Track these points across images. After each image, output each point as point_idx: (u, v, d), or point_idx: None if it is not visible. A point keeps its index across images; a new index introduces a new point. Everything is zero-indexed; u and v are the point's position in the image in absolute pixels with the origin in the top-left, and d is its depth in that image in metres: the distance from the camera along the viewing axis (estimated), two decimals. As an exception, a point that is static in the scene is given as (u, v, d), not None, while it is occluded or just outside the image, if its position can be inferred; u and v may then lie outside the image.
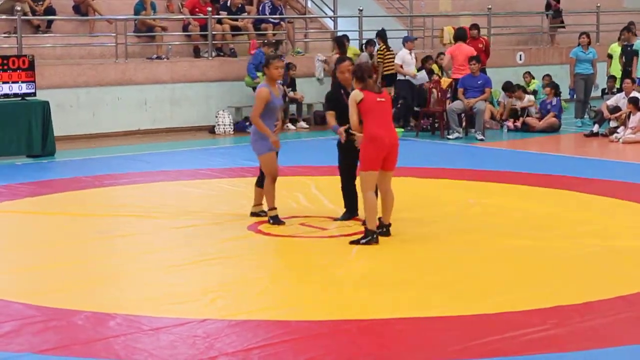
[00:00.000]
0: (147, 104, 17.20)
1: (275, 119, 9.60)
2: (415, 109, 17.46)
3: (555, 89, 17.40)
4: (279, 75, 9.57)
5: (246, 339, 6.19)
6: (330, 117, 9.32)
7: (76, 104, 16.46)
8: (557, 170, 12.88)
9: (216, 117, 17.26)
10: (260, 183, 9.78)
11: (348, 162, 9.45)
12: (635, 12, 24.90)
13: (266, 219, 9.63)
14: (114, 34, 17.43)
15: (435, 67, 18.37)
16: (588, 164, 13.63)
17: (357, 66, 9.04)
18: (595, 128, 16.44)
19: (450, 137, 16.30)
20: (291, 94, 17.82)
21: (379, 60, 17.82)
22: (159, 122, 17.30)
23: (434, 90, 17.13)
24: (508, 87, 18.03)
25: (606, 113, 16.44)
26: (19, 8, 16.46)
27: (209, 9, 18.38)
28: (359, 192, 9.25)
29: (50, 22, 17.74)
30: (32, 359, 5.89)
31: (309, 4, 21.24)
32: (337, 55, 17.41)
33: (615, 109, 16.42)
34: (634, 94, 16.19)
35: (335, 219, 9.73)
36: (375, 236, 8.68)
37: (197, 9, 18.75)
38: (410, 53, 17.40)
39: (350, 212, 9.72)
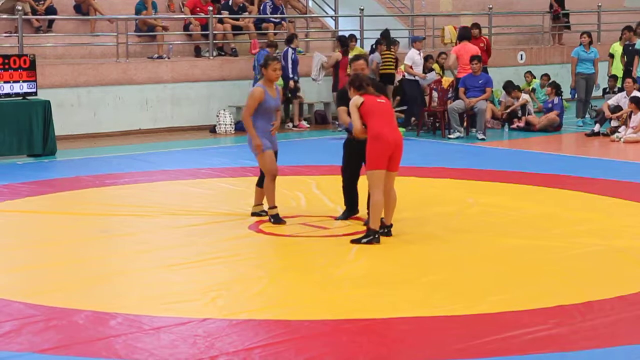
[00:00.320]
0: (148, 104, 17.20)
1: (271, 119, 9.59)
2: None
3: (556, 89, 17.39)
4: (277, 76, 9.57)
5: (247, 339, 6.19)
6: (343, 112, 9.29)
7: (77, 104, 16.46)
8: (558, 169, 12.87)
9: (217, 116, 17.26)
10: (261, 183, 9.77)
11: (352, 162, 9.44)
12: (636, 12, 24.91)
13: (267, 218, 9.63)
14: (115, 34, 17.44)
15: (436, 66, 18.38)
16: (589, 164, 13.62)
17: (355, 76, 9.03)
18: (597, 127, 16.43)
19: (451, 136, 16.30)
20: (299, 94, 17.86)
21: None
22: (160, 121, 17.31)
23: (434, 90, 17.12)
24: (509, 87, 18.03)
25: (607, 113, 16.43)
26: (20, 7, 16.47)
27: (210, 8, 18.39)
28: (359, 191, 9.25)
29: (51, 21, 17.75)
30: (33, 358, 5.89)
31: (310, 3, 21.25)
32: (340, 53, 17.51)
33: (617, 109, 16.42)
34: (635, 93, 16.19)
35: (336, 218, 9.73)
36: (376, 236, 8.68)
37: (198, 9, 18.76)
38: (419, 53, 17.40)
39: (350, 211, 9.72)
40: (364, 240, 8.67)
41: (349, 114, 8.96)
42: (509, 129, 17.35)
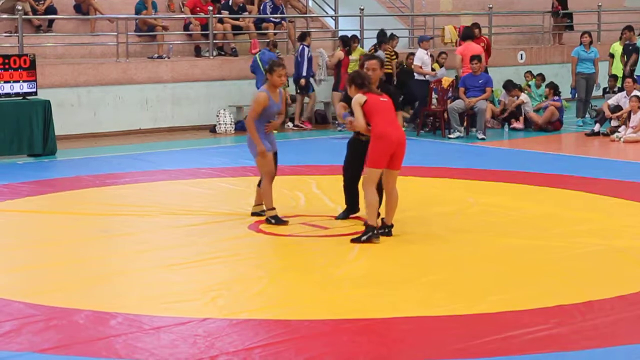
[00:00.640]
0: (148, 103, 17.20)
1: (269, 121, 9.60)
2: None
3: (555, 89, 17.40)
4: (282, 82, 9.56)
5: (247, 338, 6.19)
6: (341, 107, 9.29)
7: (77, 103, 16.46)
8: (559, 169, 12.87)
9: (217, 116, 17.26)
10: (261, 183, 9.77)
11: (355, 162, 9.43)
12: (636, 12, 24.92)
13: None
14: (115, 33, 17.44)
15: (436, 66, 18.37)
16: (589, 164, 13.62)
17: (357, 74, 9.01)
18: (597, 127, 16.43)
19: (451, 136, 16.30)
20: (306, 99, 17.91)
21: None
22: (160, 121, 17.31)
23: (433, 90, 17.12)
24: (509, 86, 18.03)
25: (607, 112, 16.43)
26: (20, 7, 16.46)
27: (210, 8, 18.39)
28: (360, 191, 9.25)
29: (51, 21, 17.74)
30: (33, 358, 5.89)
31: (310, 3, 21.25)
32: (342, 52, 17.52)
33: (617, 108, 16.41)
34: (636, 92, 16.18)
35: (336, 217, 9.73)
36: (375, 232, 8.69)
37: (198, 8, 18.76)
38: (427, 52, 17.40)
39: (350, 210, 9.71)
40: (364, 237, 8.68)
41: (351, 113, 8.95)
42: (509, 128, 17.33)
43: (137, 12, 18.15)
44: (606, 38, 22.80)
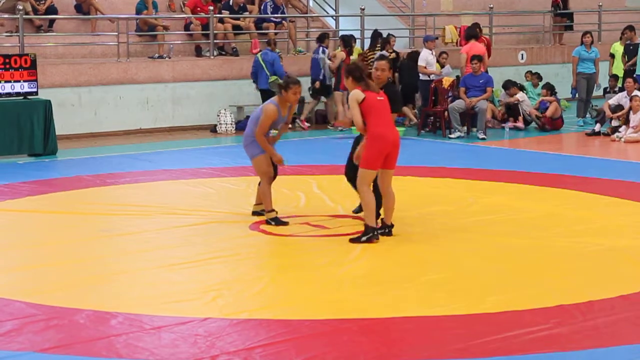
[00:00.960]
0: (148, 103, 17.20)
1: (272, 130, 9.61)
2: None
3: (551, 90, 17.41)
4: (296, 100, 9.50)
5: (247, 338, 6.19)
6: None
7: (78, 103, 16.46)
8: (559, 169, 12.87)
9: (218, 116, 17.26)
10: (262, 182, 9.77)
11: None
12: (637, 12, 24.92)
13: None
14: (116, 33, 17.44)
15: (437, 66, 18.37)
16: (590, 163, 13.62)
17: (355, 66, 8.92)
18: (597, 127, 16.43)
19: (451, 136, 16.30)
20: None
21: (363, 60, 17.89)
22: (160, 121, 17.31)
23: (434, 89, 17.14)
24: (508, 84, 18.04)
25: (608, 112, 16.43)
26: (20, 7, 16.47)
27: (211, 8, 18.40)
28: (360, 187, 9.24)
29: (52, 21, 17.75)
30: (33, 357, 5.89)
31: (311, 3, 21.25)
32: (344, 53, 17.52)
33: (617, 108, 16.41)
34: (636, 92, 16.18)
35: (353, 211, 9.68)
36: (375, 233, 8.68)
37: (198, 8, 18.76)
38: (432, 52, 17.41)
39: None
40: (363, 238, 8.67)
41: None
42: (509, 128, 17.31)
43: (138, 12, 18.16)
44: (607, 38, 22.79)
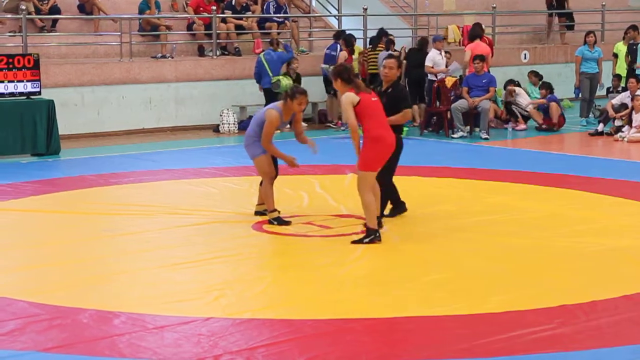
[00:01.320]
0: (151, 103, 17.21)
1: None
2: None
3: (549, 89, 17.41)
4: (300, 110, 9.49)
5: (250, 338, 6.19)
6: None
7: (81, 103, 16.47)
8: (562, 169, 12.86)
9: (220, 116, 17.27)
10: (263, 182, 9.77)
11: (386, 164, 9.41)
12: (640, 11, 24.89)
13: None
14: (119, 33, 17.45)
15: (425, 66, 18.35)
16: (593, 163, 13.61)
17: (343, 68, 8.76)
18: (600, 127, 16.41)
19: (454, 136, 16.30)
20: None
21: (363, 59, 17.95)
22: (163, 120, 17.32)
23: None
24: (507, 85, 18.04)
25: (611, 112, 16.41)
26: (24, 7, 16.48)
27: (214, 7, 18.40)
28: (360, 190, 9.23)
29: (55, 21, 17.76)
30: (36, 357, 5.90)
31: (313, 2, 21.25)
32: (346, 52, 17.53)
33: (621, 107, 16.38)
34: (639, 92, 16.16)
35: (385, 216, 9.46)
36: (377, 234, 8.67)
37: (201, 8, 18.77)
38: (440, 52, 17.41)
39: (397, 206, 9.68)
40: (366, 240, 8.66)
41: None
42: (512, 129, 17.30)
43: (141, 11, 18.17)
44: (610, 37, 22.76)
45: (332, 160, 13.18)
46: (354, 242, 8.70)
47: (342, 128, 16.79)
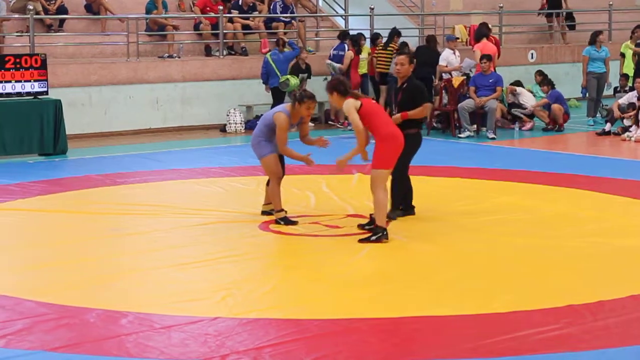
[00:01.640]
0: (158, 103, 17.23)
1: None
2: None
3: (550, 84, 17.38)
4: (308, 115, 9.52)
5: (257, 337, 6.19)
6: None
7: (88, 103, 16.49)
8: (569, 169, 12.84)
9: (227, 115, 17.28)
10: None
11: (402, 158, 9.41)
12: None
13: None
14: (126, 33, 17.47)
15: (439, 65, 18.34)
16: (600, 163, 13.58)
17: (338, 81, 8.92)
18: (608, 127, 16.38)
19: (461, 135, 16.28)
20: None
21: (373, 57, 17.98)
22: (170, 120, 17.34)
23: (443, 89, 17.10)
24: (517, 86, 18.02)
25: (617, 112, 16.38)
26: (31, 7, 16.51)
27: (220, 7, 18.41)
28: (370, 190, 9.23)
29: (62, 21, 17.79)
30: (44, 356, 5.91)
31: (320, 2, 21.25)
32: (352, 52, 17.54)
33: (631, 106, 16.32)
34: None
35: (390, 219, 9.43)
36: (385, 233, 8.68)
37: (208, 8, 18.78)
38: (454, 52, 17.41)
39: (406, 209, 9.71)
40: (373, 238, 8.68)
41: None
42: (519, 128, 17.28)
43: (148, 11, 18.19)
44: (617, 37, 22.72)
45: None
46: (361, 240, 8.72)
47: (349, 128, 16.78)
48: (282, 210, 9.54)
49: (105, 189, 11.63)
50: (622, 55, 18.70)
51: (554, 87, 17.49)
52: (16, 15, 17.15)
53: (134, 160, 13.90)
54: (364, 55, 18.00)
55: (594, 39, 18.02)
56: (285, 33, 18.93)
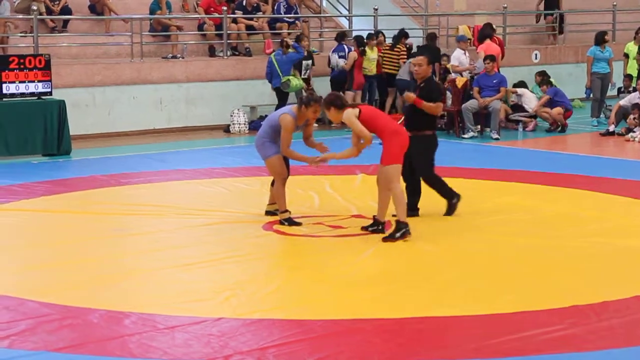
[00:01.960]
0: (162, 103, 17.23)
1: None
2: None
3: (548, 83, 17.36)
4: (314, 118, 9.55)
5: (261, 338, 6.19)
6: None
7: (92, 103, 16.50)
8: (573, 169, 12.82)
9: (231, 116, 17.28)
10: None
11: (422, 160, 9.59)
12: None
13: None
14: (130, 34, 17.48)
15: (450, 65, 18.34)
16: (604, 163, 13.57)
17: (334, 96, 9.09)
18: (611, 127, 16.36)
19: (465, 136, 16.27)
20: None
21: (380, 55, 18.00)
22: (174, 121, 17.34)
23: (447, 90, 17.08)
24: (520, 86, 18.00)
25: (612, 118, 16.41)
26: (35, 8, 16.53)
27: (224, 8, 18.41)
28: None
29: (66, 21, 17.80)
30: (47, 357, 5.91)
31: (324, 3, 21.23)
32: (356, 53, 17.55)
33: (634, 108, 16.29)
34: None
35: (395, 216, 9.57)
36: (408, 228, 8.74)
37: (212, 9, 18.79)
38: (465, 52, 17.41)
39: (411, 209, 9.71)
40: (397, 234, 8.70)
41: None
42: (523, 129, 17.25)
43: (152, 12, 18.20)
44: (621, 37, 22.69)
45: (343, 161, 13.13)
46: (385, 239, 8.74)
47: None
48: (286, 210, 9.53)
49: (109, 189, 11.63)
50: (626, 55, 18.68)
51: (552, 84, 17.49)
52: (20, 16, 17.17)
53: (137, 160, 13.91)
54: (373, 55, 18.01)
55: (600, 40, 17.98)
56: (289, 34, 18.92)
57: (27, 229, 9.72)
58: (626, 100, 16.58)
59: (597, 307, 6.76)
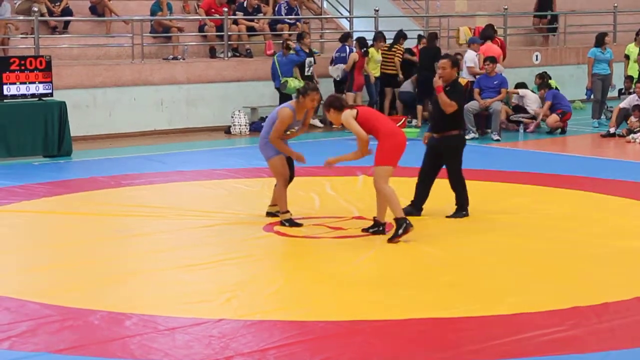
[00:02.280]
0: (163, 105, 17.23)
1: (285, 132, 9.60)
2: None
3: (547, 86, 17.35)
4: (313, 107, 9.58)
5: (262, 339, 6.19)
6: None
7: (92, 105, 16.51)
8: (574, 170, 12.82)
9: (232, 117, 17.28)
10: (277, 184, 9.78)
11: (427, 160, 9.68)
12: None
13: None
14: (131, 35, 17.48)
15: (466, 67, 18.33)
16: (605, 165, 13.57)
17: (334, 98, 9.12)
18: (612, 129, 16.36)
19: (466, 137, 16.24)
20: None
21: (382, 54, 18.02)
22: (175, 122, 17.34)
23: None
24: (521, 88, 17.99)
25: (613, 119, 16.41)
26: (36, 9, 16.53)
27: (225, 9, 18.42)
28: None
29: (67, 22, 17.81)
30: (48, 358, 5.91)
31: (325, 4, 21.24)
32: (357, 54, 17.54)
33: (634, 109, 16.29)
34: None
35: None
36: (407, 222, 8.73)
37: (213, 10, 18.79)
38: (477, 55, 17.42)
39: (416, 209, 9.80)
40: (400, 231, 8.72)
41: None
42: (524, 130, 17.25)
43: (152, 13, 18.20)
44: (622, 39, 22.70)
45: (343, 162, 13.15)
46: (390, 240, 8.76)
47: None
48: (287, 211, 9.54)
49: (110, 190, 11.63)
50: (627, 57, 18.68)
51: (550, 87, 17.47)
52: (21, 17, 17.17)
53: (138, 162, 13.91)
54: (379, 57, 18.02)
55: (600, 41, 17.98)
56: (290, 35, 18.93)
57: (27, 230, 9.72)
58: (626, 103, 16.59)
59: (598, 309, 6.76)
